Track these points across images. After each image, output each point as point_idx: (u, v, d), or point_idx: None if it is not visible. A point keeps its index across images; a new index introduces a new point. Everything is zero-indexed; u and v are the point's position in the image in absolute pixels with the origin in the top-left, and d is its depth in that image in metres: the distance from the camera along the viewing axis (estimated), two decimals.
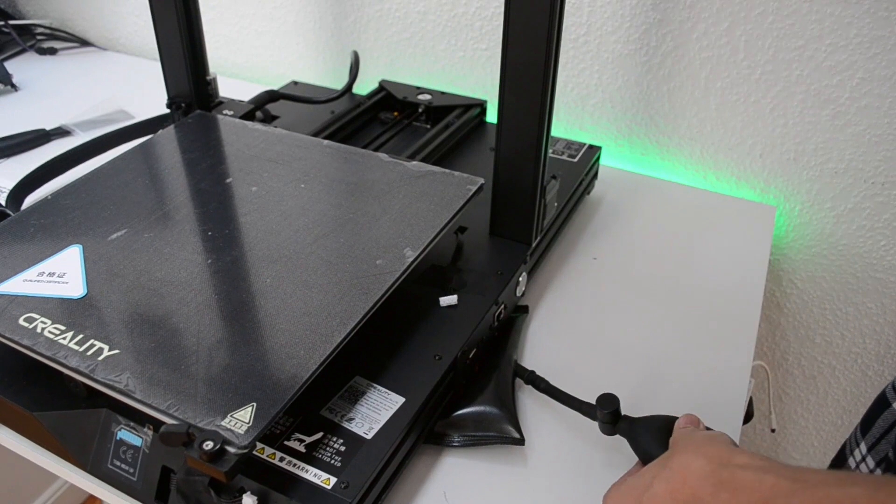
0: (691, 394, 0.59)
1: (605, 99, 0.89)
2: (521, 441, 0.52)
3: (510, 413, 0.54)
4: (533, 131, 0.58)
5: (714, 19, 0.77)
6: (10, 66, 1.15)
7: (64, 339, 0.46)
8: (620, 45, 0.84)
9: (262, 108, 0.84)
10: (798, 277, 0.87)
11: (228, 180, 0.63)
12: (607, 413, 0.51)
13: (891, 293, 0.84)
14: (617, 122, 0.90)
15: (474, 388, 0.56)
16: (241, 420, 0.41)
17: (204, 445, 0.39)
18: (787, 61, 0.76)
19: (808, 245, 0.85)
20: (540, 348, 0.64)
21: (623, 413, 0.51)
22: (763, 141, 0.82)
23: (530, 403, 0.58)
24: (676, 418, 0.50)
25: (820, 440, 0.99)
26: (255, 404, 0.41)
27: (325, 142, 0.69)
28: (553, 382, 0.57)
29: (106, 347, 0.45)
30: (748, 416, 0.64)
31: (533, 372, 0.58)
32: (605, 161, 0.92)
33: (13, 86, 1.11)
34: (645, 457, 0.50)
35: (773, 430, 0.99)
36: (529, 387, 0.58)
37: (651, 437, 0.49)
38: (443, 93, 0.89)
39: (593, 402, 0.52)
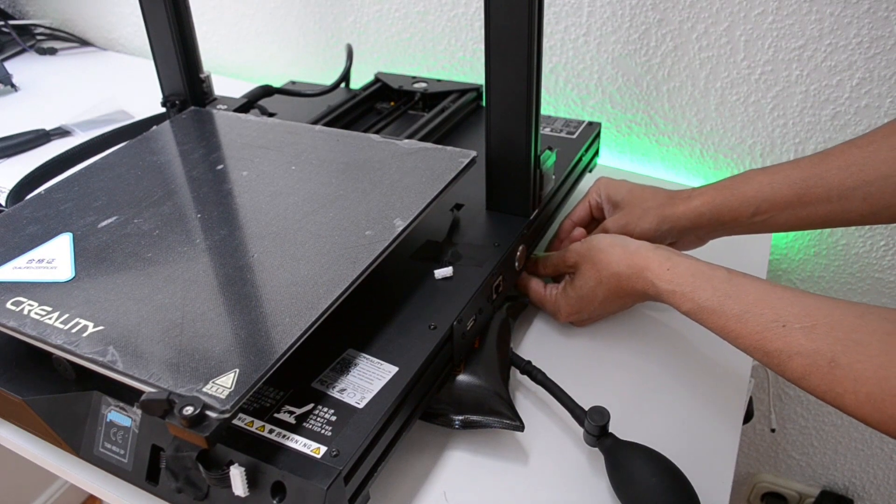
0: (691, 393, 0.59)
1: (605, 99, 0.89)
2: (520, 427, 0.52)
3: (508, 399, 0.54)
4: (521, 97, 0.57)
5: (714, 19, 0.77)
6: (10, 66, 1.15)
7: (50, 319, 0.46)
8: (620, 45, 0.84)
9: (256, 102, 0.84)
10: (797, 277, 0.87)
11: (220, 167, 0.63)
12: (595, 426, 0.51)
13: (890, 293, 0.84)
14: (617, 123, 0.90)
15: (474, 364, 0.55)
16: (222, 386, 0.40)
17: (184, 411, 0.38)
18: (787, 61, 0.76)
19: (808, 245, 0.85)
20: (537, 337, 0.64)
21: (610, 430, 0.51)
22: (763, 141, 0.82)
23: (527, 394, 0.59)
24: (661, 455, 0.50)
25: (820, 440, 0.99)
26: (237, 370, 0.41)
27: (317, 127, 0.69)
28: (548, 373, 0.56)
29: (91, 324, 0.46)
30: (748, 416, 0.64)
31: (529, 362, 0.57)
32: (606, 161, 0.92)
33: (13, 86, 1.11)
34: (617, 482, 0.50)
35: (773, 430, 0.99)
36: (525, 377, 0.58)
37: (631, 465, 0.49)
38: (438, 80, 0.89)
39: (585, 408, 0.52)
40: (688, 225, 0.62)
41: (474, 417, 0.52)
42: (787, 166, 0.59)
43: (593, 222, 0.70)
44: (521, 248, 0.63)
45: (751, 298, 0.48)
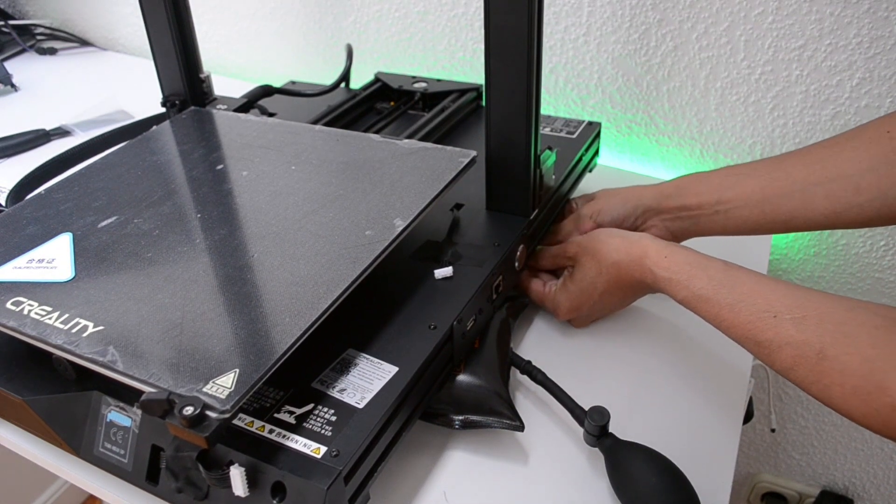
0: (691, 393, 0.59)
1: (604, 99, 0.89)
2: (520, 427, 0.52)
3: (508, 399, 0.54)
4: (521, 96, 0.57)
5: (714, 19, 0.77)
6: (10, 66, 1.15)
7: (50, 319, 0.46)
8: (620, 45, 0.84)
9: (256, 102, 0.84)
10: (797, 277, 0.87)
11: (220, 167, 0.63)
12: (595, 426, 0.51)
13: (890, 293, 0.84)
14: (617, 123, 0.90)
15: (474, 364, 0.55)
16: (222, 386, 0.40)
17: (184, 411, 0.38)
18: (786, 61, 0.76)
19: (808, 245, 0.85)
20: (537, 337, 0.64)
21: (610, 430, 0.51)
22: (763, 141, 0.82)
23: (527, 394, 0.59)
24: (661, 455, 0.50)
25: (820, 440, 0.99)
26: (237, 370, 0.41)
27: (317, 127, 0.69)
28: (548, 373, 0.56)
29: (91, 324, 0.46)
30: (748, 416, 0.64)
31: (529, 362, 0.57)
32: (606, 161, 0.92)
33: (13, 86, 1.11)
34: (617, 482, 0.50)
35: (773, 430, 0.99)
36: (525, 378, 0.58)
37: (631, 465, 0.49)
38: (438, 80, 0.89)
39: (585, 408, 0.52)
40: (652, 203, 0.64)
41: (474, 417, 0.52)
42: (757, 162, 0.61)
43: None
44: (521, 247, 0.63)
45: (745, 289, 0.49)
